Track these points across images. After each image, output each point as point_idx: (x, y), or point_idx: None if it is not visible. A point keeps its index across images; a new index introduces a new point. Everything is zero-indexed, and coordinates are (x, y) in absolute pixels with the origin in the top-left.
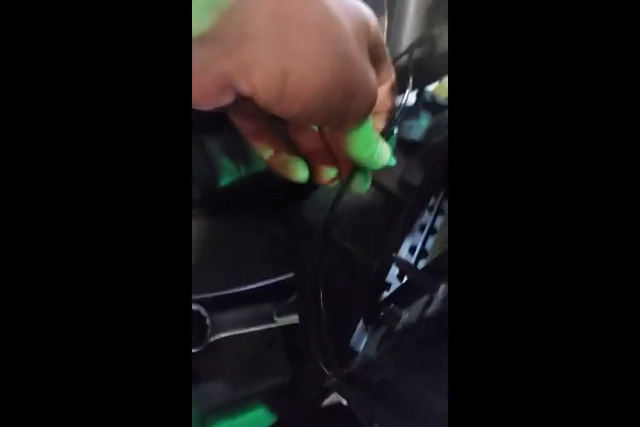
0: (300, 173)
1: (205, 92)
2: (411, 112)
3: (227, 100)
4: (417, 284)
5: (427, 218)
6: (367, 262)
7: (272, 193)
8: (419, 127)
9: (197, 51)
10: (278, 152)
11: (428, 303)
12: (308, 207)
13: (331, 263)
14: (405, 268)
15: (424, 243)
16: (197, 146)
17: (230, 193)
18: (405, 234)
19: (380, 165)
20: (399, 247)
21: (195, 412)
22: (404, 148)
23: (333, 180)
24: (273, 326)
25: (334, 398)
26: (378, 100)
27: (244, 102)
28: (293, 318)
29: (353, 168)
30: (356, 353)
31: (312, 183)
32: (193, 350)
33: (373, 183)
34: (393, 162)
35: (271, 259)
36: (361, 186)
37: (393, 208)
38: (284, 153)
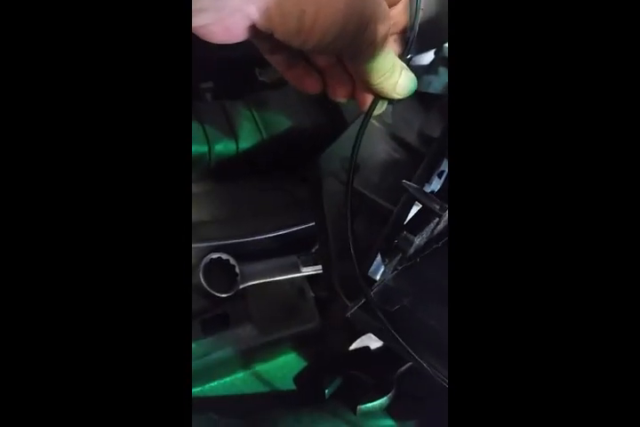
0: (315, 84)
1: (232, 33)
2: (429, 68)
3: (248, 36)
4: (428, 206)
5: (445, 165)
6: (387, 209)
7: (293, 154)
8: (437, 82)
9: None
10: (295, 65)
11: (436, 224)
12: (326, 157)
13: (351, 209)
14: (416, 192)
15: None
16: (219, 111)
17: (252, 155)
18: (424, 181)
19: (403, 95)
20: None
21: (224, 356)
22: (422, 102)
23: (346, 94)
24: (299, 275)
25: (360, 342)
26: (391, 22)
27: (264, 36)
28: (318, 268)
29: (375, 99)
30: (374, 281)
31: (331, 138)
32: (223, 295)
33: (393, 137)
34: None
35: (293, 212)
36: (380, 109)
37: (413, 160)
38: (300, 66)
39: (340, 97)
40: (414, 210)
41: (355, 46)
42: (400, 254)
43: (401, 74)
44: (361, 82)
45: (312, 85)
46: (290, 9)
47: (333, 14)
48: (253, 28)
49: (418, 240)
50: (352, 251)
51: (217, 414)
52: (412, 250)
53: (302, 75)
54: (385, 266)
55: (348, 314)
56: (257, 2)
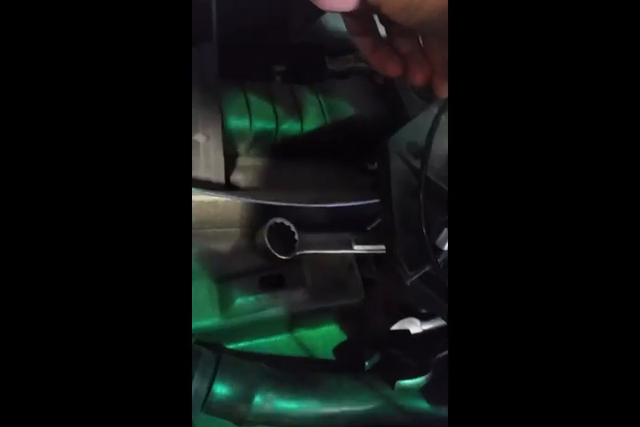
0: (397, 67)
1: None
2: None
3: (356, 6)
4: None
5: None
6: (447, 192)
7: (353, 141)
8: None
9: None
10: (380, 49)
11: None
12: (394, 140)
13: (414, 190)
14: None
15: None
16: (287, 93)
17: (315, 137)
18: None
19: None
20: None
21: (276, 314)
22: None
23: (425, 79)
24: (351, 252)
25: (400, 326)
26: None
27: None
28: (369, 248)
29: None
30: (441, 251)
31: (391, 128)
32: (283, 257)
33: None
34: None
35: (352, 191)
36: None
37: None
38: (382, 49)
39: (419, 82)
40: None
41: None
42: None
43: None
44: (444, 68)
45: (394, 69)
46: None
47: None
48: (363, 0)
49: None
50: (423, 220)
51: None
52: None
53: (385, 58)
54: None
55: (408, 282)
56: None
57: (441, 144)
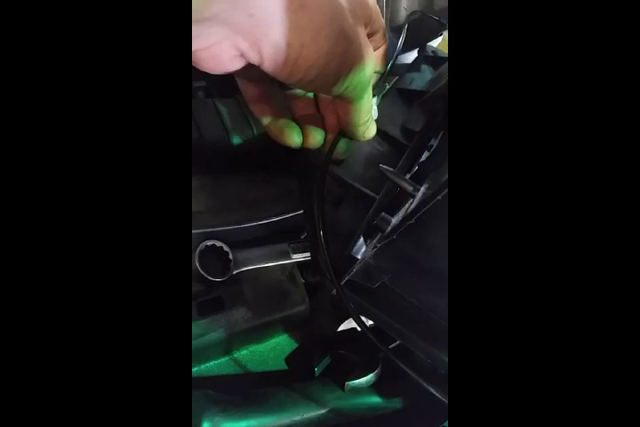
0: (295, 138)
1: (218, 60)
2: (412, 66)
3: (236, 67)
4: (403, 188)
5: (424, 157)
6: (370, 197)
7: (281, 150)
8: (420, 79)
9: (208, 28)
10: (276, 118)
11: (410, 204)
12: (315, 151)
13: (337, 198)
14: (392, 175)
15: None
16: (211, 108)
17: (243, 150)
18: (405, 171)
19: (366, 138)
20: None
21: (219, 337)
22: (405, 98)
23: (320, 143)
24: (290, 262)
25: (347, 325)
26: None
27: (250, 68)
28: (307, 255)
29: (337, 136)
30: (356, 260)
31: None
32: (218, 280)
33: (378, 131)
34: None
35: (283, 201)
36: (344, 152)
37: (395, 152)
38: (281, 119)
39: (314, 145)
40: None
41: (337, 85)
42: (379, 233)
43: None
44: (337, 121)
45: (291, 138)
46: (279, 43)
47: (316, 51)
48: (240, 61)
49: (394, 220)
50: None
51: (213, 391)
52: (389, 228)
53: (283, 127)
54: (366, 246)
55: (334, 291)
56: (243, 33)
57: (361, 146)
